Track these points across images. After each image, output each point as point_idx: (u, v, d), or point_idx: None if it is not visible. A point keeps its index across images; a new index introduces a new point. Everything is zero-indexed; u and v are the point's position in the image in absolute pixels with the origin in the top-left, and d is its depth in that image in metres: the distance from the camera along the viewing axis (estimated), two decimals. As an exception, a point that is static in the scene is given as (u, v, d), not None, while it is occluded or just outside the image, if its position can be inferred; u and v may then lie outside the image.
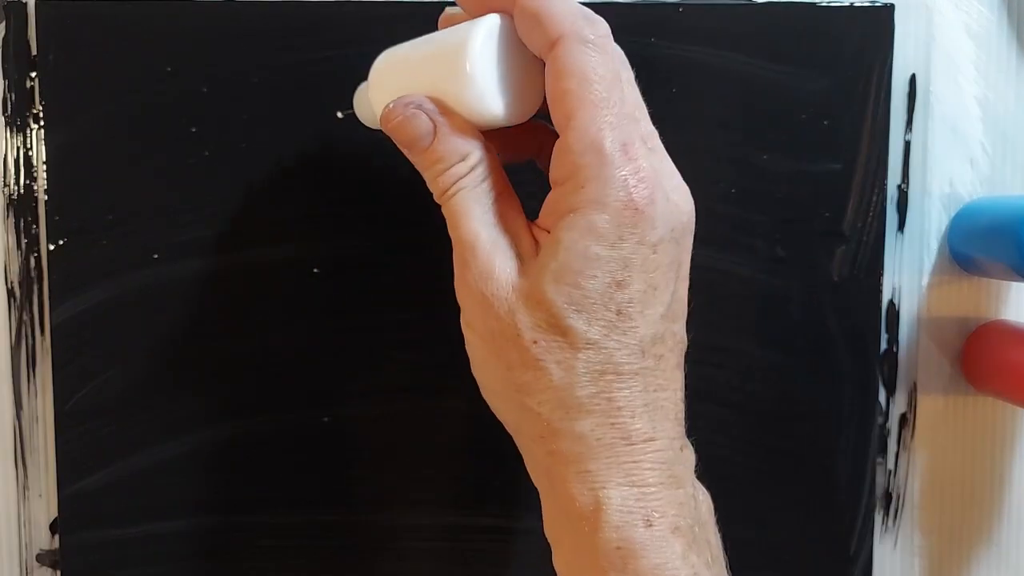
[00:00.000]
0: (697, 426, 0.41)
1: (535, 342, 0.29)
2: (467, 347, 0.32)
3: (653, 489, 0.29)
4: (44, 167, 0.39)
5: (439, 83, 0.31)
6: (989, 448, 0.43)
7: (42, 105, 0.39)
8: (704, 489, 0.32)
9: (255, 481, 0.40)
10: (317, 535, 0.40)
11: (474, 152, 0.31)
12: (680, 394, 0.31)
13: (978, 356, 0.42)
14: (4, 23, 0.39)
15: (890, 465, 0.43)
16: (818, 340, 0.41)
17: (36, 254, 0.40)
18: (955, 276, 0.43)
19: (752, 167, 0.40)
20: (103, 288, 0.39)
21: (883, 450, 0.43)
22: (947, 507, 0.43)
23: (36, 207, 0.40)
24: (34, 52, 0.39)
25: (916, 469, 0.43)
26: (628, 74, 0.31)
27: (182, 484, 0.40)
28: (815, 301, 0.41)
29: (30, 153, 0.40)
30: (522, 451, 0.32)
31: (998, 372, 0.41)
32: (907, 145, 0.42)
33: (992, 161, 0.43)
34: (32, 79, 0.39)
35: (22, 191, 0.40)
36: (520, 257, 0.30)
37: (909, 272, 0.42)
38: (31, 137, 0.40)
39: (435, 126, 0.31)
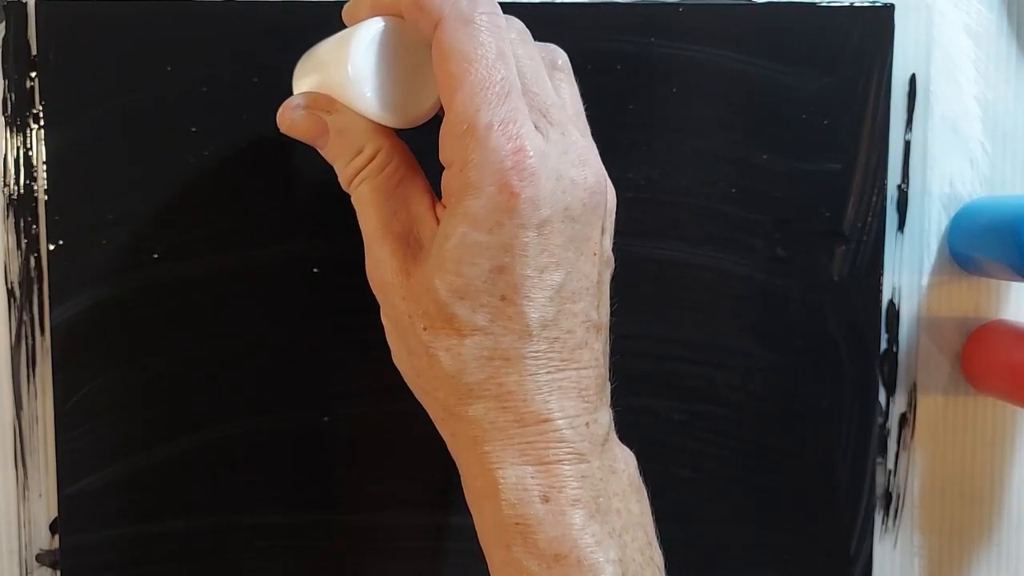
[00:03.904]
0: (697, 426, 0.41)
1: (425, 329, 0.30)
2: (386, 335, 0.32)
3: (551, 466, 0.29)
4: (44, 167, 0.39)
5: (333, 83, 0.32)
6: (989, 448, 0.43)
7: (42, 105, 0.39)
8: (627, 456, 0.33)
9: (255, 481, 0.40)
10: (318, 535, 0.40)
11: (369, 143, 0.31)
12: (590, 371, 0.30)
13: (978, 356, 0.42)
14: (4, 23, 0.39)
15: (890, 465, 0.43)
16: (818, 340, 0.41)
17: (36, 254, 0.40)
18: (955, 276, 0.43)
19: (752, 167, 0.40)
20: (103, 288, 0.39)
21: (883, 450, 0.43)
22: (947, 507, 0.43)
23: (36, 207, 0.40)
24: (34, 52, 0.39)
25: (916, 469, 0.43)
26: (524, 48, 0.30)
27: (182, 484, 0.40)
28: (815, 301, 0.41)
29: (30, 153, 0.40)
30: (438, 429, 0.32)
31: (998, 372, 0.41)
32: (907, 145, 0.42)
33: (992, 161, 0.43)
34: (32, 79, 0.39)
35: (22, 191, 0.40)
36: (420, 243, 0.31)
37: (909, 272, 0.42)
38: (31, 137, 0.40)
39: (324, 124, 0.32)
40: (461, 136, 0.28)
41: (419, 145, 0.33)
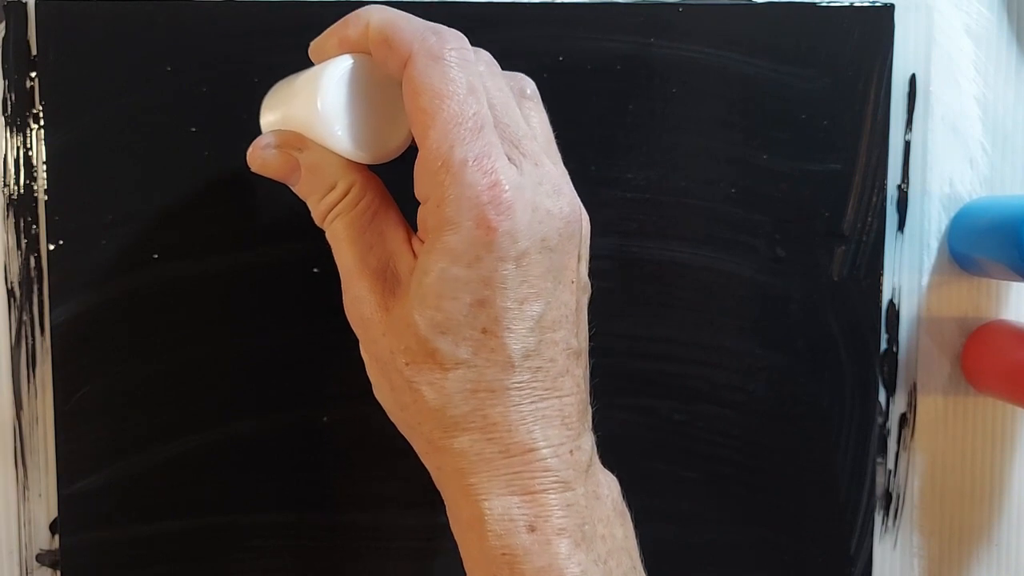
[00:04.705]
0: (697, 426, 0.41)
1: (407, 364, 0.30)
2: (367, 370, 0.32)
3: (536, 496, 0.29)
4: (44, 167, 0.39)
5: (303, 120, 0.32)
6: (989, 448, 0.43)
7: (42, 105, 0.39)
8: (609, 481, 0.33)
9: (255, 481, 0.40)
10: (318, 535, 0.40)
11: (341, 180, 0.31)
12: (571, 398, 0.31)
13: (978, 356, 0.42)
14: (4, 23, 0.39)
15: (890, 465, 0.43)
16: (818, 340, 0.41)
17: (36, 254, 0.40)
18: (955, 276, 0.43)
19: (752, 167, 0.40)
20: (103, 288, 0.39)
21: (883, 450, 0.43)
22: (947, 507, 0.43)
23: (36, 207, 0.40)
24: (34, 52, 0.39)
25: (916, 469, 0.43)
26: (494, 80, 0.31)
27: (182, 484, 0.40)
28: (815, 301, 0.41)
29: (30, 153, 0.40)
30: (423, 462, 0.32)
31: (998, 372, 0.41)
32: (907, 145, 0.42)
33: (992, 161, 0.43)
34: (32, 79, 0.39)
35: (22, 191, 0.40)
36: (398, 277, 0.31)
37: (909, 272, 0.42)
38: (31, 137, 0.40)
39: (296, 162, 0.32)
40: (436, 172, 0.28)
41: (392, 177, 0.32)
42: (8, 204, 0.40)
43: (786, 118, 0.40)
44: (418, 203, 0.30)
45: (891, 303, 0.42)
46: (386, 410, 0.32)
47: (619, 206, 0.40)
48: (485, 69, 0.31)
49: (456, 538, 0.32)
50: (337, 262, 0.32)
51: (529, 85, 0.33)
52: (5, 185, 0.40)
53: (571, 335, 0.31)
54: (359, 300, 0.31)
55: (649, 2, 0.40)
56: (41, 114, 0.39)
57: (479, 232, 0.28)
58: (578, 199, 0.31)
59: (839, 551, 0.42)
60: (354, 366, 0.40)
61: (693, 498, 0.41)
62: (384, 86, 0.31)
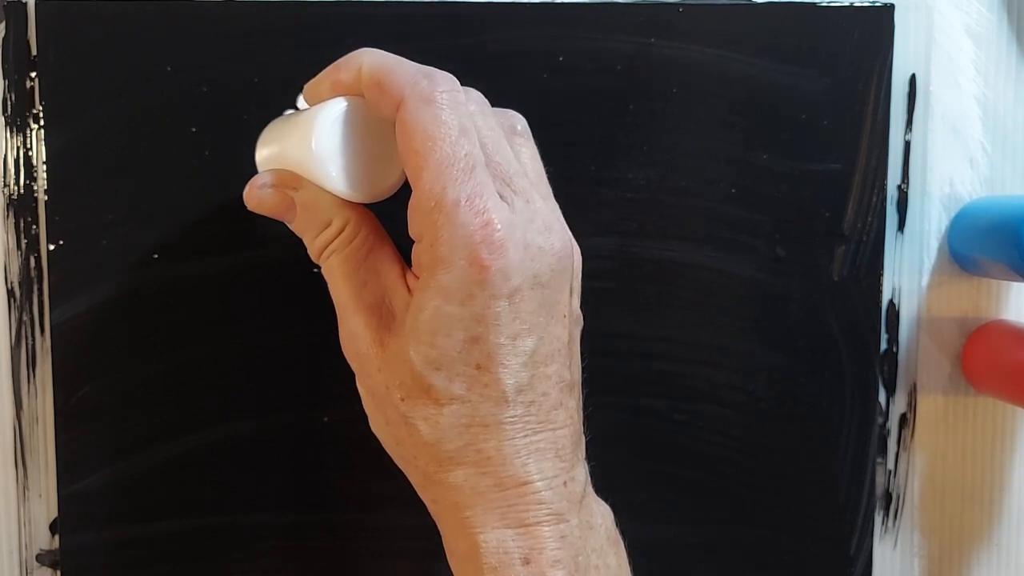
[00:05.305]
0: (697, 426, 0.41)
1: (403, 400, 0.30)
2: (363, 403, 0.33)
3: (531, 528, 0.30)
4: (44, 167, 0.39)
5: (298, 161, 0.33)
6: (989, 448, 0.43)
7: (42, 105, 0.39)
8: (603, 511, 0.33)
9: (255, 481, 0.40)
10: (318, 535, 0.40)
11: (337, 217, 0.32)
12: (565, 431, 0.31)
13: (978, 356, 0.42)
14: (4, 23, 0.39)
15: (890, 465, 0.43)
16: (818, 340, 0.41)
17: (36, 254, 0.40)
18: (955, 276, 0.43)
19: (752, 167, 0.40)
20: (103, 288, 0.39)
21: (883, 450, 0.43)
22: (947, 507, 0.43)
23: (36, 207, 0.40)
24: (34, 52, 0.39)
25: (916, 469, 0.43)
26: (485, 119, 0.31)
27: (182, 484, 0.40)
28: (815, 301, 0.41)
29: (30, 153, 0.40)
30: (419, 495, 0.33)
31: (998, 372, 0.41)
32: (907, 145, 0.42)
33: (992, 161, 0.43)
34: (32, 79, 0.39)
35: (22, 191, 0.40)
36: (393, 313, 0.31)
37: (909, 272, 0.43)
38: (31, 137, 0.40)
39: (291, 200, 0.33)
40: (429, 212, 0.29)
41: (385, 213, 0.33)
42: (8, 204, 0.40)
43: (786, 118, 0.40)
44: (412, 239, 0.31)
45: (891, 303, 0.42)
46: (382, 443, 0.33)
47: (619, 206, 0.40)
48: (476, 108, 0.31)
49: (452, 570, 0.32)
50: (333, 297, 0.32)
51: (520, 122, 0.34)
52: (5, 185, 0.40)
53: (564, 368, 0.31)
54: (354, 335, 0.32)
55: (649, 2, 0.40)
56: (41, 114, 0.39)
57: (472, 271, 0.29)
58: (569, 233, 0.32)
59: (839, 551, 0.42)
60: (354, 366, 0.40)
61: (693, 498, 0.41)
62: (376, 127, 0.32)
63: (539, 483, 0.30)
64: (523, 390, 0.30)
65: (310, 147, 0.31)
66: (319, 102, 0.32)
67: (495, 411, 0.30)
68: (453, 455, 0.30)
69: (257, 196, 0.33)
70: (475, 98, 0.32)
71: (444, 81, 0.30)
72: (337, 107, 0.32)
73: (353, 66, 0.31)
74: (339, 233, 0.32)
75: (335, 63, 0.32)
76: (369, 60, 0.31)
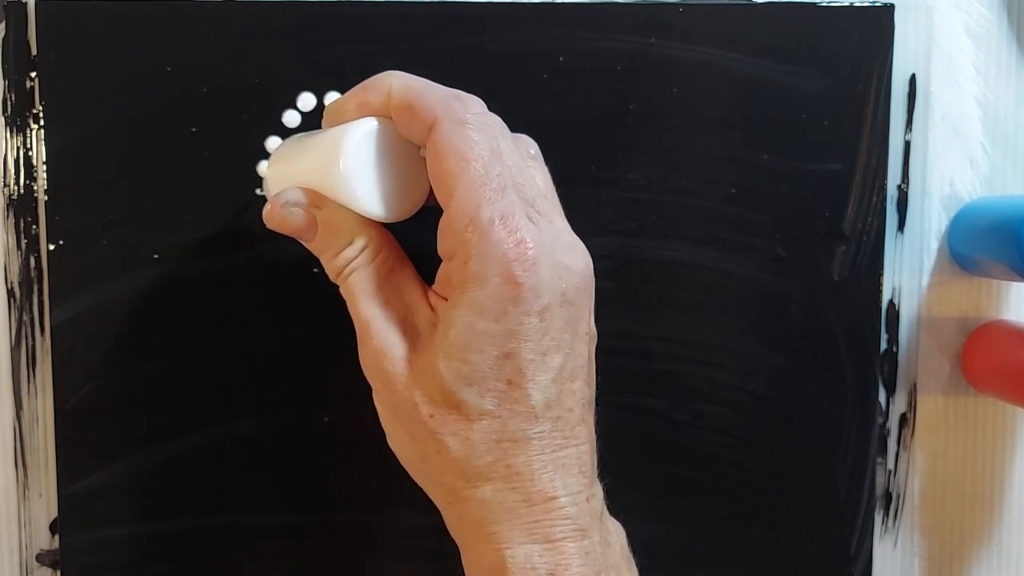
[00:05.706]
0: (697, 426, 0.41)
1: (431, 416, 0.31)
2: (380, 420, 0.33)
3: (557, 544, 0.30)
4: (44, 167, 0.39)
5: (322, 179, 0.33)
6: (989, 448, 0.43)
7: (42, 105, 0.39)
8: (617, 528, 0.34)
9: (255, 481, 0.40)
10: (318, 535, 0.40)
11: (359, 236, 0.32)
12: (586, 446, 0.32)
13: (978, 356, 0.42)
14: (4, 23, 0.39)
15: (890, 465, 0.43)
16: (818, 340, 0.41)
17: (36, 254, 0.40)
18: (955, 276, 0.43)
19: (752, 167, 0.40)
20: (103, 288, 0.39)
21: (883, 450, 0.43)
22: (947, 507, 0.43)
23: (36, 207, 0.40)
24: (34, 52, 0.39)
25: (916, 469, 0.43)
26: (506, 142, 0.32)
27: (182, 484, 0.40)
28: (815, 301, 0.41)
29: (30, 153, 0.40)
30: (441, 512, 0.33)
31: (998, 372, 0.41)
32: (907, 145, 0.42)
33: (992, 161, 0.43)
34: (32, 79, 0.39)
35: (22, 191, 0.40)
36: (416, 330, 0.32)
37: (909, 272, 0.43)
38: (31, 137, 0.40)
39: (314, 219, 0.33)
40: (463, 231, 0.29)
41: (400, 231, 0.34)
42: (8, 204, 0.40)
43: (786, 118, 0.40)
44: (426, 257, 0.31)
45: (891, 303, 0.42)
46: (402, 461, 0.33)
47: (619, 206, 0.40)
48: (499, 132, 0.31)
49: None
50: (353, 316, 0.33)
51: (533, 146, 0.34)
52: (5, 185, 0.40)
53: (585, 385, 0.32)
54: (378, 353, 0.32)
55: (649, 2, 0.40)
56: (41, 114, 0.39)
57: (506, 288, 0.29)
58: (589, 254, 0.32)
59: (839, 551, 0.41)
60: (354, 366, 0.40)
61: (693, 498, 0.41)
62: (399, 148, 0.32)
63: (564, 499, 0.30)
64: (551, 406, 0.30)
65: (337, 165, 0.32)
66: (342, 122, 0.33)
67: (524, 426, 0.30)
68: (482, 471, 0.30)
69: (281, 215, 0.33)
70: (498, 122, 0.32)
71: (474, 104, 0.31)
72: (366, 127, 0.32)
73: (382, 88, 0.32)
74: (361, 251, 0.32)
75: (361, 84, 0.32)
76: (399, 83, 0.31)
